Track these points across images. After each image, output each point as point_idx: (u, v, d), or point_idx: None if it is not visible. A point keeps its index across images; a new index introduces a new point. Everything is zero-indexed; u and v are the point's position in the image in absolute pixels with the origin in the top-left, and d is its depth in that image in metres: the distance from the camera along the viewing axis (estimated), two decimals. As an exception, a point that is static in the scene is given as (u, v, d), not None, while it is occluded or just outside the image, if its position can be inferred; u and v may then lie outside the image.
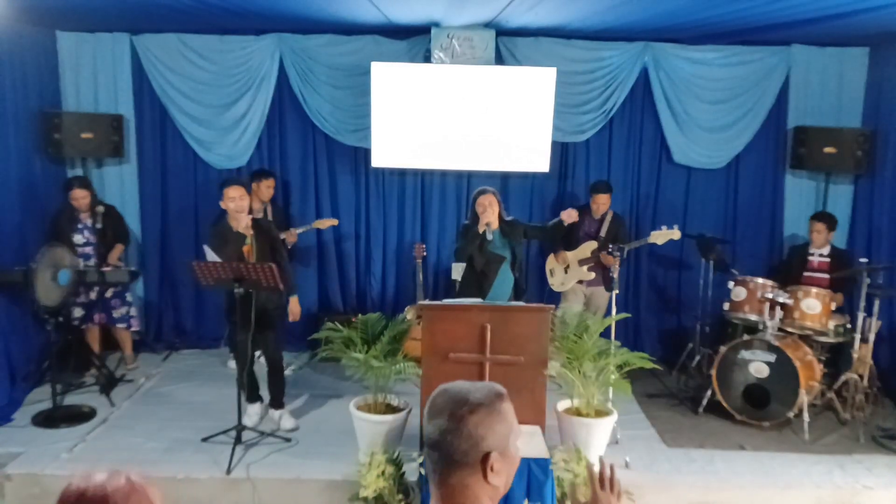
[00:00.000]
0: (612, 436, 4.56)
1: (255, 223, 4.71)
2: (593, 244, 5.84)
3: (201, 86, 6.22)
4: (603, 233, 5.88)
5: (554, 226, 5.29)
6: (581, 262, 5.86)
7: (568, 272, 5.94)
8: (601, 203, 5.87)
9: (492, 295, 4.97)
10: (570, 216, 5.15)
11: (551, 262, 6.08)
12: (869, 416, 5.13)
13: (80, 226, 5.64)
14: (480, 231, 4.87)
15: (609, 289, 5.77)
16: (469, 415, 1.48)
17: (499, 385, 1.58)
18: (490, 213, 4.88)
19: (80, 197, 5.58)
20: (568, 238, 5.98)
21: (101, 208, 5.50)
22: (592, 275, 5.86)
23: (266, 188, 5.93)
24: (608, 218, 5.93)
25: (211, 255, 4.56)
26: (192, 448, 4.55)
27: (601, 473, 1.81)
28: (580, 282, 5.92)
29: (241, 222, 4.59)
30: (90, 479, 1.40)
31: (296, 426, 4.90)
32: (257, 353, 5.06)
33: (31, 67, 5.71)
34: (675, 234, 5.43)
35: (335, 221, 6.14)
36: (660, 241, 5.50)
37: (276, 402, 4.97)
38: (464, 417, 1.47)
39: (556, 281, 6.02)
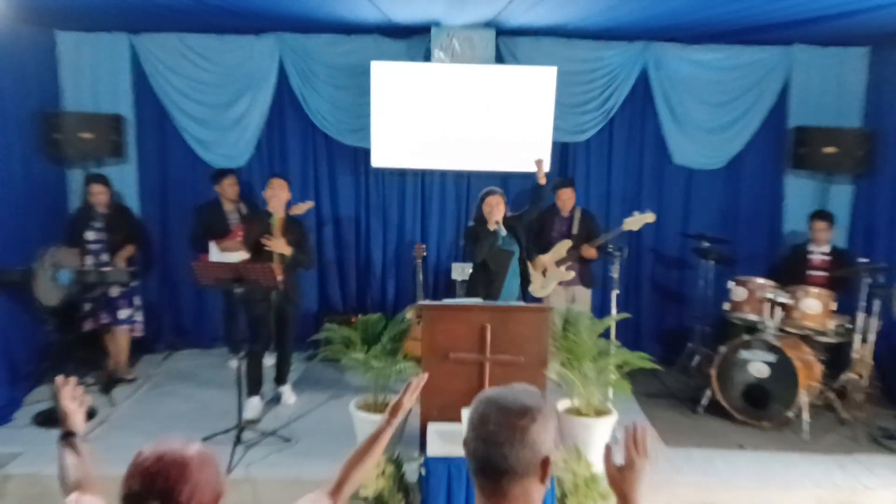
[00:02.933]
0: (612, 436, 4.56)
1: (288, 219, 5.20)
2: (568, 243, 5.82)
3: (201, 86, 6.22)
4: (575, 230, 5.88)
5: (534, 189, 5.35)
6: (558, 264, 5.85)
7: (546, 276, 5.89)
8: (566, 199, 5.89)
9: (505, 290, 5.08)
10: (539, 166, 5.24)
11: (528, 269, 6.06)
12: (869, 416, 5.13)
13: (93, 223, 5.70)
14: (492, 230, 4.93)
15: (587, 285, 5.83)
16: (531, 424, 1.45)
17: (531, 386, 1.55)
18: (497, 213, 4.97)
19: (97, 192, 5.68)
20: (540, 242, 5.95)
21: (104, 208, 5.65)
22: (572, 274, 5.84)
23: (229, 186, 5.94)
24: (577, 215, 5.94)
25: (215, 253, 4.58)
26: (192, 448, 4.54)
27: (634, 436, 1.78)
28: (560, 283, 5.90)
29: (271, 205, 5.12)
30: (165, 444, 1.40)
31: (294, 402, 5.38)
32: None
33: (31, 67, 5.71)
34: (650, 217, 5.50)
35: (311, 204, 5.97)
36: (635, 227, 5.59)
37: (281, 380, 5.39)
38: (527, 428, 1.44)
39: (535, 286, 5.92)
